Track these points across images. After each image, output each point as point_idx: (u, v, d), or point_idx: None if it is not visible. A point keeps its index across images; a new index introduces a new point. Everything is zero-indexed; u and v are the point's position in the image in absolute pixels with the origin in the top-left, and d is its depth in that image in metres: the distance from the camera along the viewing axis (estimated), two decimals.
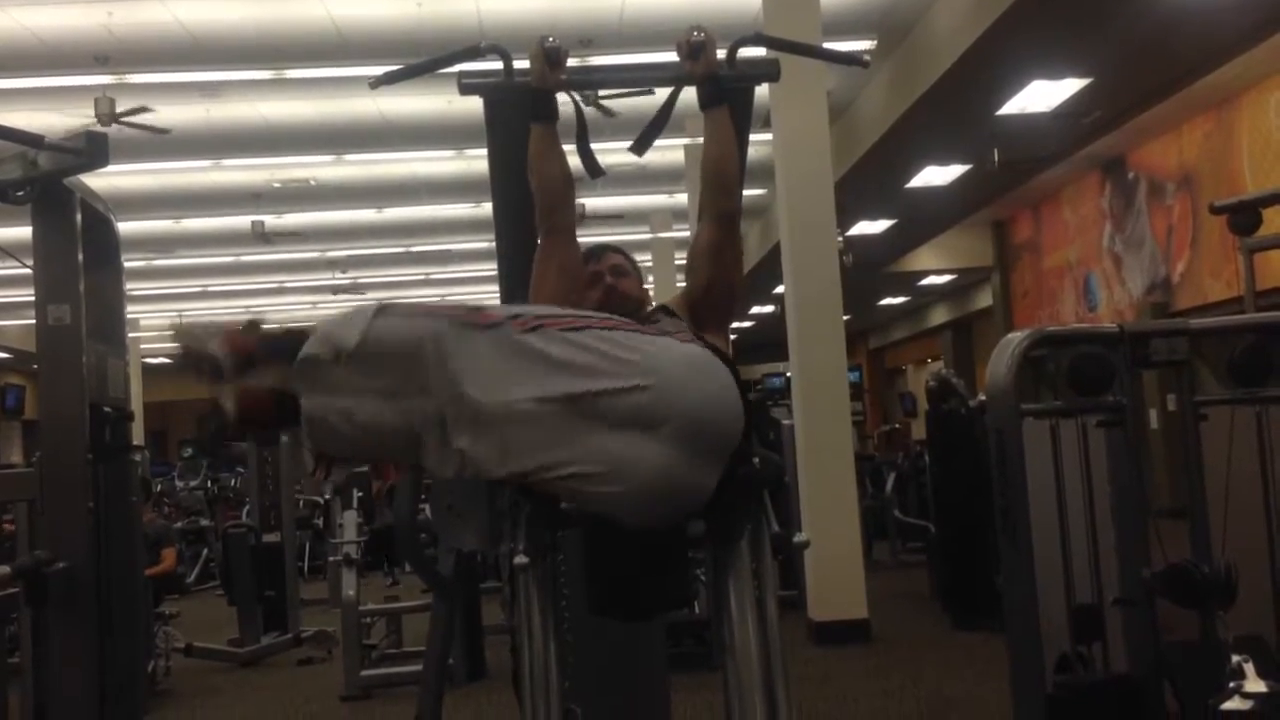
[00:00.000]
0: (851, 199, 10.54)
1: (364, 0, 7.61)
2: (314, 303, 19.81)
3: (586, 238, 2.48)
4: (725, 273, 2.33)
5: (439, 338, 1.83)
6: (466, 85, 2.44)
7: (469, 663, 6.05)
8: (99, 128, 8.03)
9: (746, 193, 2.55)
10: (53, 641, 2.84)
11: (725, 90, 2.36)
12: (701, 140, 2.38)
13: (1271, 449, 3.45)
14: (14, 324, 18.23)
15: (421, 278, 18.06)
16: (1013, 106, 9.05)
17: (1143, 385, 3.99)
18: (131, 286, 14.80)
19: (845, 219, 11.53)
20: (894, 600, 7.85)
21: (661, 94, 2.57)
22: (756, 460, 2.01)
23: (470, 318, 1.88)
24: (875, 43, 8.37)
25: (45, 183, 2.83)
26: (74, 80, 8.33)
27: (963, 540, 6.74)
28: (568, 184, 2.35)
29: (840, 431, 6.78)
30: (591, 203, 12.08)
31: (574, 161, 2.41)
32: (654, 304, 2.42)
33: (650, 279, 14.63)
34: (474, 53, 2.44)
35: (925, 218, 13.29)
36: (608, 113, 7.17)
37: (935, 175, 11.42)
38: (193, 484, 14.90)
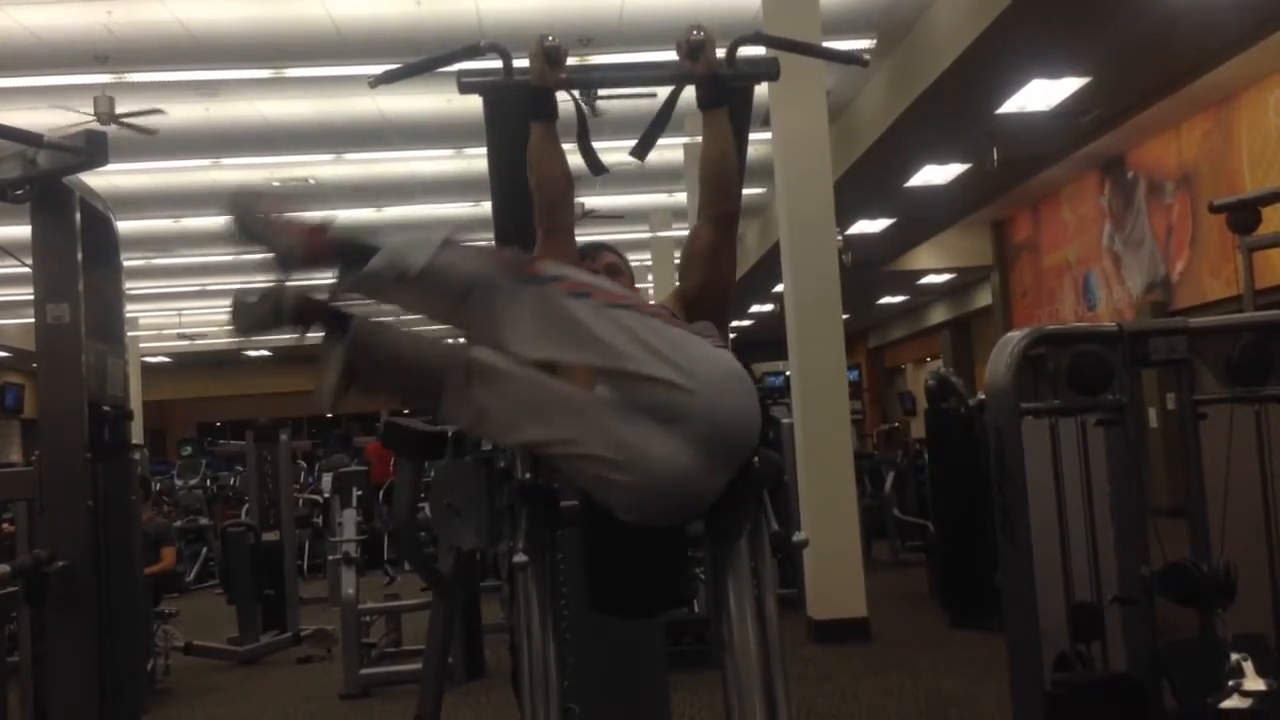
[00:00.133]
0: (851, 198, 10.54)
1: None
2: None
3: (586, 236, 2.49)
4: (720, 274, 2.34)
5: (491, 283, 1.87)
6: (466, 84, 2.44)
7: (468, 661, 6.05)
8: (99, 126, 8.03)
9: (746, 192, 2.55)
10: (52, 640, 2.84)
11: (725, 89, 2.36)
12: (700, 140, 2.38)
13: (1270, 448, 3.46)
14: (13, 323, 18.22)
15: None
16: (1012, 105, 9.06)
17: (1142, 384, 3.99)
18: (131, 285, 14.79)
19: (844, 218, 11.54)
20: (893, 599, 7.85)
21: (661, 96, 2.57)
22: (756, 459, 2.02)
23: (522, 268, 1.92)
24: (875, 42, 8.37)
25: (44, 181, 2.83)
26: (73, 79, 8.32)
27: (962, 539, 6.74)
28: (567, 183, 2.35)
29: (839, 430, 6.78)
30: (591, 201, 12.09)
31: (573, 161, 2.41)
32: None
33: (650, 278, 14.64)
34: (473, 51, 2.43)
35: (924, 217, 13.30)
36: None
37: (934, 174, 11.43)
38: (192, 483, 14.89)
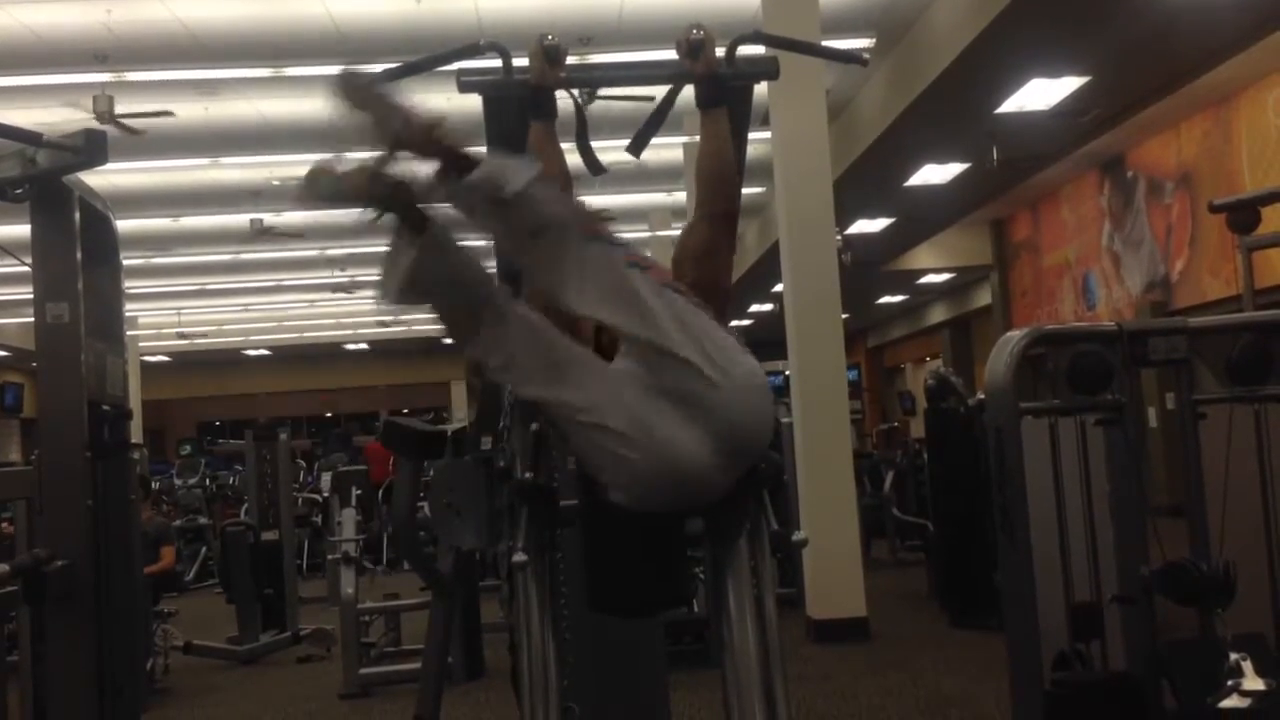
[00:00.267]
0: (850, 197, 10.53)
1: None
2: (312, 301, 19.80)
3: None
4: (715, 275, 2.31)
5: (567, 229, 1.90)
6: (465, 83, 2.44)
7: (468, 661, 6.05)
8: (98, 125, 8.03)
9: (745, 191, 2.55)
10: (52, 639, 2.84)
11: (724, 89, 2.35)
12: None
13: (1270, 447, 3.46)
14: (13, 322, 18.21)
15: None
16: (1011, 105, 9.05)
17: (1141, 384, 3.99)
18: (130, 284, 14.78)
19: (844, 217, 11.53)
20: (892, 598, 7.85)
21: (657, 97, 2.57)
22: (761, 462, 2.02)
23: (594, 224, 1.96)
24: (874, 41, 8.37)
25: (44, 181, 2.83)
26: (73, 78, 8.32)
27: (961, 538, 6.75)
28: (566, 182, 2.35)
29: (839, 430, 6.78)
30: (590, 200, 12.07)
31: (573, 160, 2.41)
32: None
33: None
34: (473, 50, 2.43)
35: (924, 216, 13.29)
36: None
37: (934, 173, 11.42)
38: (191, 482, 14.89)
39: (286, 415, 23.36)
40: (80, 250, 2.90)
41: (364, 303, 19.85)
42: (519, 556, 2.10)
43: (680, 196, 12.68)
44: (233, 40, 8.08)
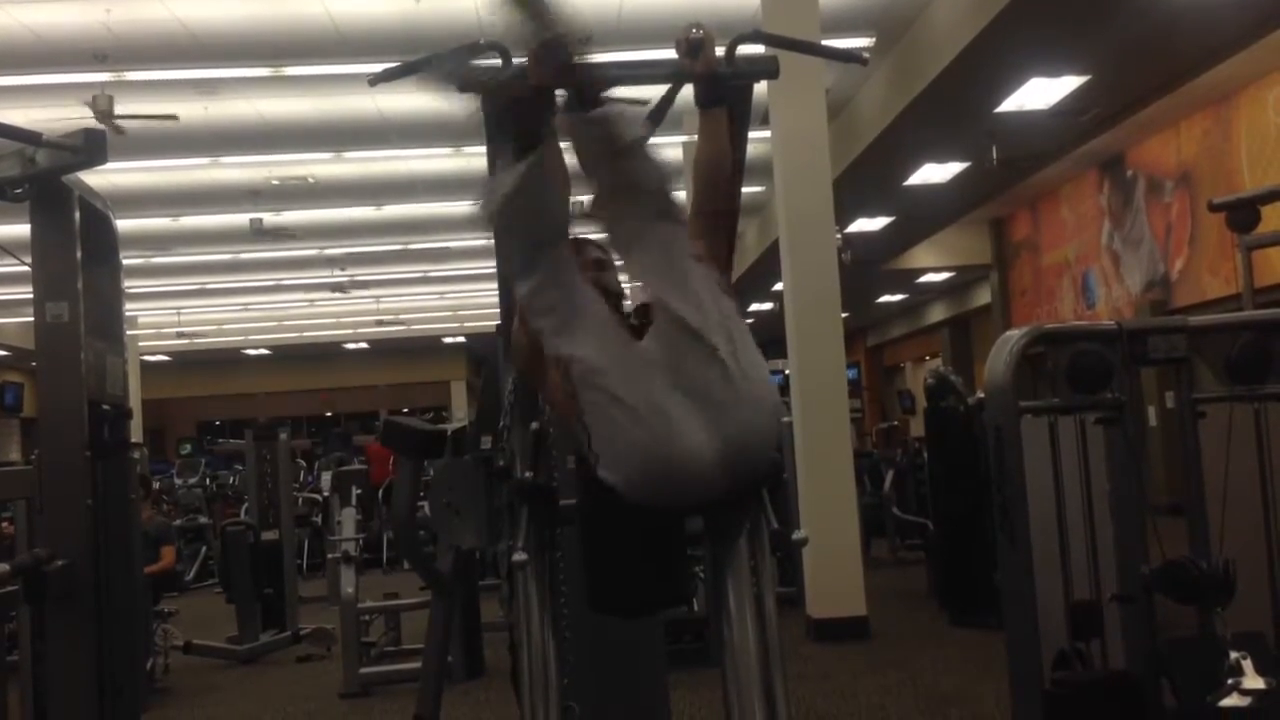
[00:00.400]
0: (850, 196, 10.54)
1: None
2: (311, 300, 19.79)
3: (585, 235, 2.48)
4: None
5: (655, 196, 1.99)
6: (466, 82, 2.43)
7: (468, 660, 6.05)
8: (96, 124, 8.03)
9: (745, 190, 2.55)
10: (52, 639, 2.84)
11: (724, 88, 2.35)
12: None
13: (1270, 446, 3.46)
14: (13, 321, 18.21)
15: (420, 275, 18.04)
16: (1011, 104, 9.05)
17: (1141, 382, 3.99)
18: (130, 284, 14.80)
19: (844, 216, 11.53)
20: (892, 597, 7.85)
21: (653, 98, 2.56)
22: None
23: (677, 209, 2.04)
24: (874, 40, 8.37)
25: (43, 180, 2.83)
26: (72, 77, 8.32)
27: (961, 537, 6.75)
28: (565, 181, 2.34)
29: (839, 429, 6.78)
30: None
31: (572, 160, 2.40)
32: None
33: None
34: (473, 49, 2.43)
35: (924, 215, 13.29)
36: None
37: (934, 173, 11.42)
38: (191, 481, 14.90)
39: (286, 415, 23.36)
40: (80, 250, 2.90)
41: (364, 302, 19.87)
42: (519, 555, 2.10)
43: (680, 195, 12.66)
44: (232, 40, 8.08)
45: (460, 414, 23.25)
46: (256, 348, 25.36)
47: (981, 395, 3.52)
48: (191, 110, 9.41)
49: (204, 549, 11.40)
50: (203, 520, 11.95)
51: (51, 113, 8.46)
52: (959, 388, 7.23)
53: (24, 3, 7.38)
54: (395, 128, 10.19)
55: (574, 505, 2.15)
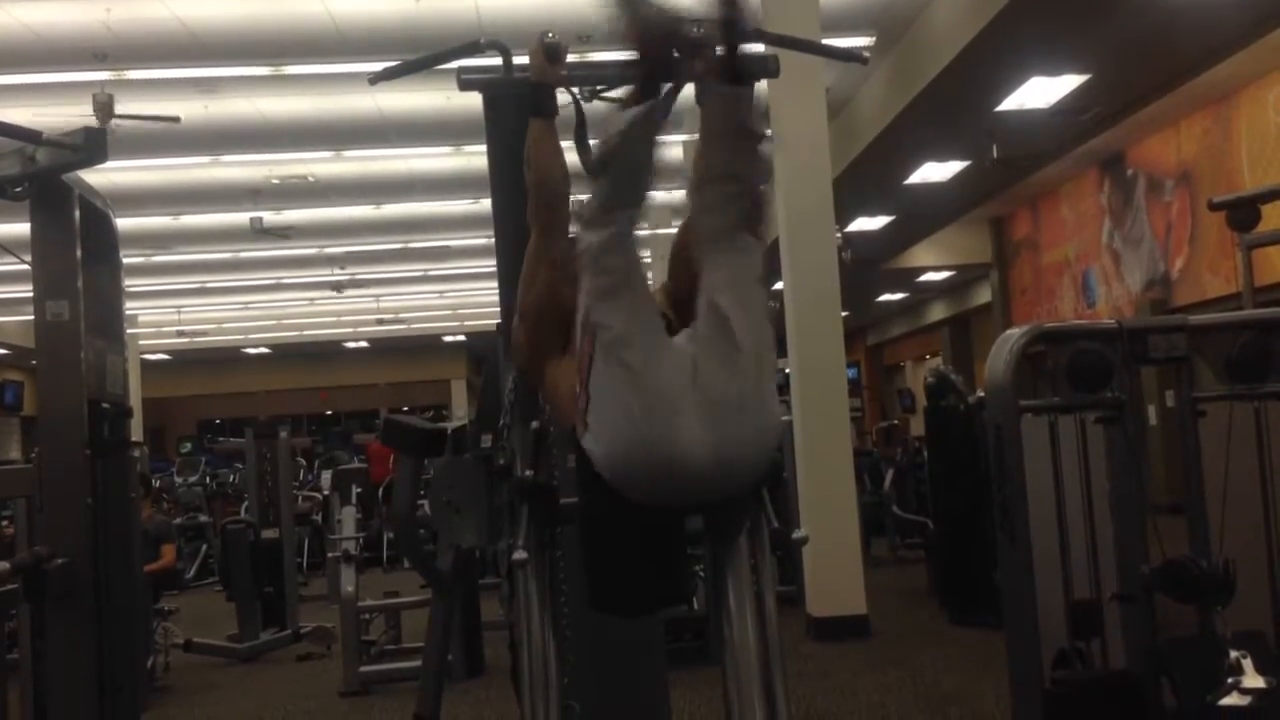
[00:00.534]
0: (850, 195, 10.53)
1: None
2: (311, 299, 19.79)
3: None
4: None
5: (746, 200, 2.00)
6: (466, 81, 2.44)
7: (468, 659, 6.05)
8: (95, 123, 8.03)
9: None
10: (52, 637, 2.84)
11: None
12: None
13: (1270, 445, 3.46)
14: (13, 320, 18.20)
15: (420, 274, 18.05)
16: (1011, 103, 9.05)
17: (1141, 381, 3.99)
18: (130, 282, 14.78)
19: (844, 215, 11.52)
20: (892, 596, 7.85)
21: None
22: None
23: (763, 216, 2.04)
24: (874, 39, 8.36)
25: (44, 179, 2.83)
26: (72, 77, 8.31)
27: (961, 536, 6.75)
28: (565, 180, 2.34)
29: (839, 428, 6.78)
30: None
31: (571, 159, 2.40)
32: None
33: (649, 276, 14.62)
34: (473, 48, 2.44)
35: (924, 214, 13.29)
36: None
37: (934, 171, 11.42)
38: (191, 480, 14.90)
39: (286, 413, 23.33)
40: (80, 248, 2.90)
41: (364, 300, 19.87)
42: (519, 554, 2.10)
43: (680, 195, 12.66)
44: (232, 39, 8.07)
45: (460, 413, 23.23)
46: (257, 346, 25.36)
47: (981, 394, 3.54)
48: (192, 109, 9.40)
49: (204, 547, 11.41)
50: (203, 519, 11.96)
51: (52, 111, 8.46)
52: (959, 387, 7.23)
53: (24, 2, 7.38)
54: (395, 127, 10.19)
55: (574, 504, 2.15)
